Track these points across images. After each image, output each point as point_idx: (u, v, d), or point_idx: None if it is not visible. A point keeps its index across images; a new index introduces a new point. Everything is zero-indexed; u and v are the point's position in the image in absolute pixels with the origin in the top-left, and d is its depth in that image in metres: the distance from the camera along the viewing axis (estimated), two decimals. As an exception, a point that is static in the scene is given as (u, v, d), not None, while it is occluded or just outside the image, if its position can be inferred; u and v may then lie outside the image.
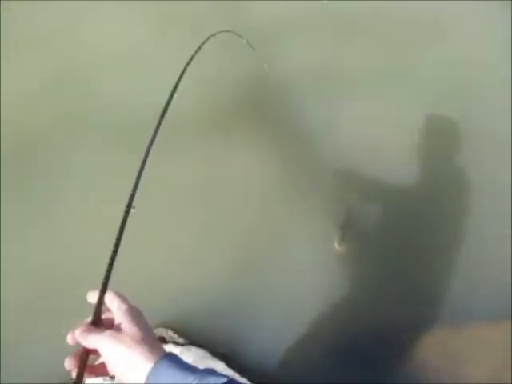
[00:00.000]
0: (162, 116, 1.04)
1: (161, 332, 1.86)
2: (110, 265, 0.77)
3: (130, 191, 0.89)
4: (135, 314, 0.69)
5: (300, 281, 2.03)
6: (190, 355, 1.76)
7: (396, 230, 2.21)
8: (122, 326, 0.67)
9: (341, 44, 2.74)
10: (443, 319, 1.98)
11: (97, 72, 2.60)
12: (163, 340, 1.82)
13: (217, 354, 1.81)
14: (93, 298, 0.73)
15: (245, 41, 1.72)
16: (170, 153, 2.31)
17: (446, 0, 2.83)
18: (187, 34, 2.53)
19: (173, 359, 0.66)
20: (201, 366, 1.75)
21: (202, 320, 1.91)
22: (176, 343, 1.81)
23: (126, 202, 0.88)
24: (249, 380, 1.73)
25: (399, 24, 2.84)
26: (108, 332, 0.67)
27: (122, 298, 0.71)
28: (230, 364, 1.78)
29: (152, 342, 0.67)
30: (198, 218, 2.17)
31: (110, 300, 0.71)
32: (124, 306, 0.69)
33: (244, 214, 2.19)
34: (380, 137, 2.39)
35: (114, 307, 0.70)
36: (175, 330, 1.87)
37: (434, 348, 1.88)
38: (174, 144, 2.36)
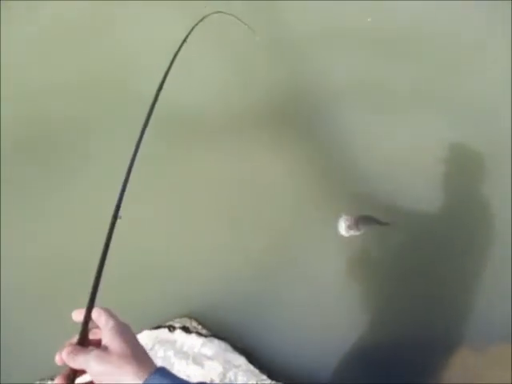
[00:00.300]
0: (152, 107, 1.01)
1: (185, 322, 1.91)
2: (97, 279, 0.74)
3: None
4: (122, 330, 0.68)
5: (322, 286, 2.06)
6: (213, 347, 1.80)
7: (419, 248, 2.22)
8: (109, 343, 0.66)
9: (379, 61, 2.76)
10: (465, 339, 1.98)
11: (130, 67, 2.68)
12: (187, 330, 1.87)
13: (238, 348, 1.85)
14: (78, 316, 0.71)
15: (240, 21, 1.71)
16: (197, 151, 2.38)
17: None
18: (226, 40, 2.66)
19: (163, 374, 0.64)
20: (222, 359, 1.78)
21: (225, 314, 1.95)
22: (199, 334, 1.85)
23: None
24: (268, 377, 1.77)
25: (439, 44, 2.86)
26: (95, 352, 0.65)
27: (109, 314, 0.70)
28: (250, 359, 1.81)
29: (141, 357, 0.66)
30: (223, 216, 2.21)
31: (97, 316, 0.69)
32: (111, 322, 0.68)
33: (266, 216, 2.23)
34: (408, 152, 2.41)
35: (101, 323, 0.68)
36: (199, 322, 1.91)
37: (454, 367, 1.88)
38: (203, 142, 2.43)
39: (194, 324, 1.89)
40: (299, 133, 2.52)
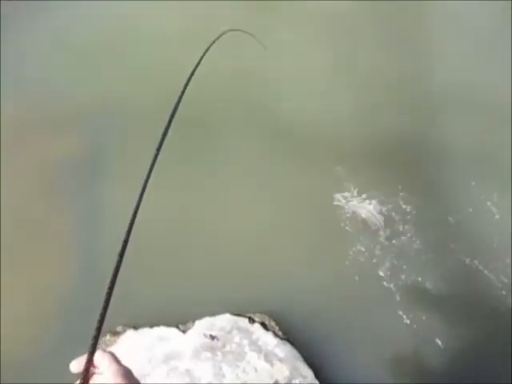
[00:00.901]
0: (169, 123, 0.98)
1: (264, 319, 1.98)
2: (100, 322, 0.70)
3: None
4: (125, 374, 0.66)
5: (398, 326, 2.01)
6: (285, 350, 1.85)
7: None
8: None
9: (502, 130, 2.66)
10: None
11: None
12: (265, 327, 1.94)
13: (307, 360, 1.87)
14: (76, 367, 0.67)
15: (255, 38, 1.77)
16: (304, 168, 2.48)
17: None
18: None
19: None
20: (291, 365, 1.80)
21: (302, 324, 1.99)
22: (275, 334, 1.91)
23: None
24: (330, 398, 1.76)
25: None
26: None
27: (112, 358, 0.67)
28: (316, 375, 1.82)
29: None
30: (319, 233, 2.29)
31: (100, 359, 0.67)
32: (114, 367, 0.66)
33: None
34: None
35: (104, 366, 0.66)
36: (277, 322, 1.97)
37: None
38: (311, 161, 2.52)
39: (272, 324, 1.95)
40: (406, 181, 2.50)
